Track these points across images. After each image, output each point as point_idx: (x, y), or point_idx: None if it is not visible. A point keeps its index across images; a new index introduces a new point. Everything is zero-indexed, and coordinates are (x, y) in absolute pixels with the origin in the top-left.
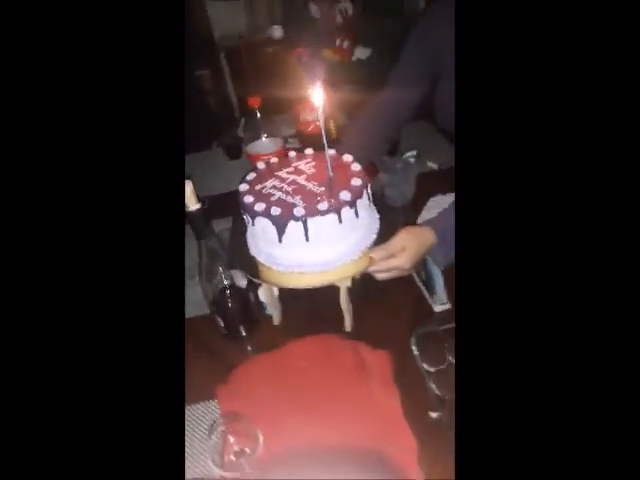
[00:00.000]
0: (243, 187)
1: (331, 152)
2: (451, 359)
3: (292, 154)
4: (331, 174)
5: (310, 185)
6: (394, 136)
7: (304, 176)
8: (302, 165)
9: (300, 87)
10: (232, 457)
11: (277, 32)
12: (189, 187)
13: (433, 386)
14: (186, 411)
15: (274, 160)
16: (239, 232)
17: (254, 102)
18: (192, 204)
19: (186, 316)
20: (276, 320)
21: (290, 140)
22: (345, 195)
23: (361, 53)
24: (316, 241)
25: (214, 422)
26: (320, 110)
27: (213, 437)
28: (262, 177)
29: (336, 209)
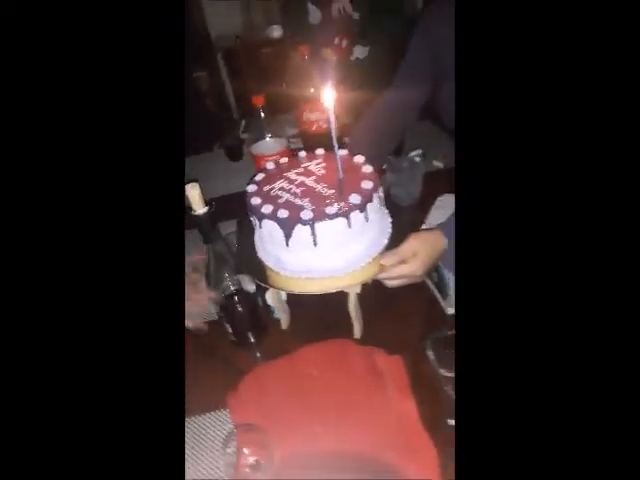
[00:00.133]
0: (251, 188)
1: (342, 153)
2: None
3: (302, 154)
4: (341, 176)
5: (319, 187)
6: (400, 136)
7: (313, 177)
8: (312, 166)
9: (303, 86)
10: (247, 470)
11: (276, 32)
12: (196, 190)
13: (451, 392)
14: (197, 421)
15: (283, 160)
16: (246, 235)
17: (258, 101)
18: (199, 207)
19: None
20: (284, 324)
21: (292, 140)
22: (355, 198)
23: (360, 52)
24: (324, 246)
25: (228, 434)
26: (330, 109)
27: (228, 450)
28: (271, 178)
29: (345, 213)
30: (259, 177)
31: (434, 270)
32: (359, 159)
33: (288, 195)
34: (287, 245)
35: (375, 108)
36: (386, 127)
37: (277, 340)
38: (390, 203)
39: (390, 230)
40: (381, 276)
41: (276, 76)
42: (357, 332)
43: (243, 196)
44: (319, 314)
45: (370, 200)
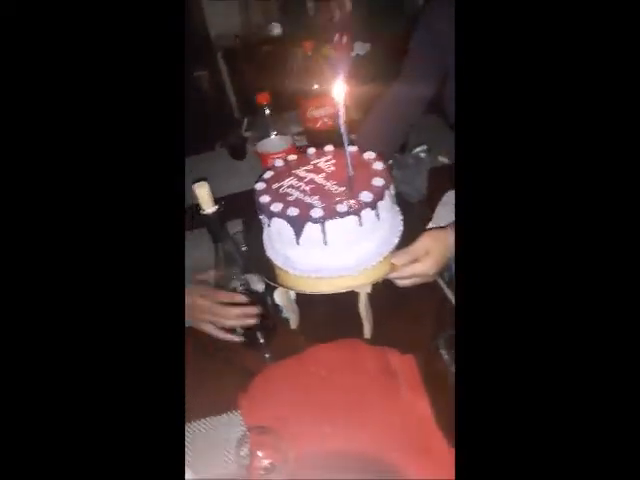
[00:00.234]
0: (260, 186)
1: (352, 149)
2: None
3: (311, 151)
4: (351, 173)
5: (329, 184)
6: (407, 131)
7: (323, 175)
8: (321, 163)
9: (306, 83)
10: (261, 472)
11: (275, 30)
12: (205, 189)
13: None
14: (209, 423)
15: (292, 158)
16: (254, 234)
17: (263, 99)
18: (208, 206)
19: None
20: (293, 324)
21: (296, 138)
22: (366, 196)
23: (360, 49)
24: (335, 244)
25: (241, 437)
26: (341, 104)
27: (242, 453)
28: (279, 176)
29: (356, 211)
30: (267, 175)
31: (446, 269)
32: (369, 155)
33: (298, 193)
34: (297, 244)
35: (382, 103)
36: (394, 122)
37: (286, 340)
38: (400, 200)
39: (401, 228)
40: (393, 275)
41: (277, 74)
42: (367, 332)
43: (248, 195)
44: (328, 314)
45: (381, 198)
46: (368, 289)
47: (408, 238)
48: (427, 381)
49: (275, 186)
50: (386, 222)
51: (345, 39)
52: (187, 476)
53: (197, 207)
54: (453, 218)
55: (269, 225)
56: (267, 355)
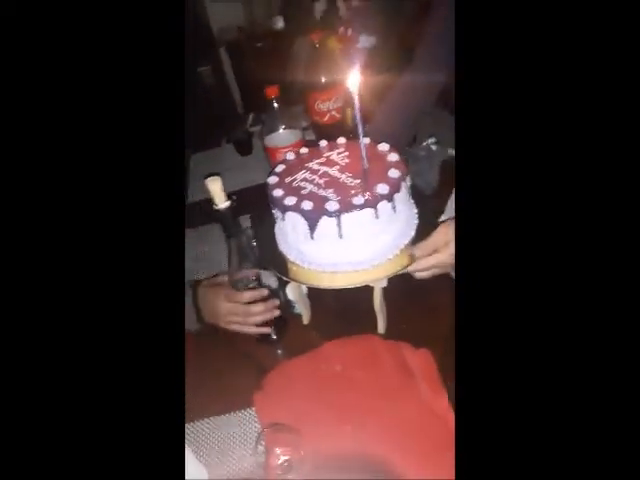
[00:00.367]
0: (272, 180)
1: (366, 141)
2: None
3: (323, 143)
4: (366, 165)
5: (344, 177)
6: (412, 125)
7: (337, 167)
8: (334, 156)
9: (314, 75)
10: (279, 472)
11: (279, 23)
12: (217, 184)
13: None
14: (224, 420)
15: (304, 151)
16: (266, 228)
17: (272, 92)
18: (221, 201)
19: None
20: (305, 319)
21: (304, 132)
22: (382, 188)
23: (365, 41)
24: (350, 238)
25: (259, 434)
26: (356, 95)
27: (258, 450)
28: (292, 169)
29: (373, 203)
30: (279, 168)
31: None
32: (384, 147)
33: (311, 186)
34: (312, 238)
35: (394, 92)
36: (407, 110)
37: (299, 336)
38: (414, 192)
39: (416, 221)
40: (412, 268)
41: (283, 67)
42: (381, 327)
43: (255, 190)
44: (340, 309)
45: (398, 190)
46: (384, 283)
47: (423, 231)
48: (444, 377)
49: (288, 179)
50: (402, 214)
51: (350, 32)
52: (202, 475)
53: (210, 202)
54: None
55: (283, 219)
56: (279, 351)
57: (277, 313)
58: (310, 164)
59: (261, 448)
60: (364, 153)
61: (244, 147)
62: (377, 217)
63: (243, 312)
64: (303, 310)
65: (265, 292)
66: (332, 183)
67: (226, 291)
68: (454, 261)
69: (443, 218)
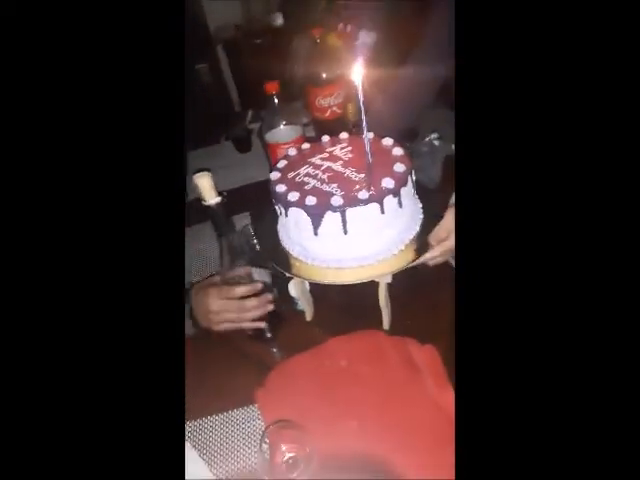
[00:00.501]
0: (274, 175)
1: (369, 135)
2: None
3: (325, 138)
4: (370, 160)
5: (347, 172)
6: (412, 120)
7: (340, 162)
8: (337, 151)
9: (314, 71)
10: (284, 469)
11: (278, 20)
12: (206, 179)
13: None
14: (226, 418)
15: (306, 146)
16: (267, 224)
17: (272, 88)
18: (211, 198)
19: None
20: (308, 316)
21: (305, 128)
22: (388, 182)
23: (366, 37)
24: (355, 234)
25: (264, 431)
26: (360, 88)
27: (263, 447)
28: (294, 164)
29: (378, 198)
30: (281, 164)
31: None
32: (388, 141)
33: (315, 181)
34: (315, 234)
35: (393, 83)
36: (405, 103)
37: (302, 332)
38: (418, 187)
39: (421, 215)
40: (428, 256)
41: (283, 63)
42: (386, 323)
43: (255, 187)
44: (344, 305)
45: (404, 184)
46: (389, 279)
47: (428, 225)
48: (450, 371)
49: (291, 175)
50: (407, 209)
51: (349, 28)
52: (204, 473)
53: (199, 200)
54: None
55: (285, 215)
56: (275, 350)
57: (271, 307)
58: (313, 159)
59: (265, 446)
60: (368, 147)
61: (243, 144)
62: (383, 212)
63: (237, 308)
64: (306, 307)
65: (259, 286)
66: (336, 178)
67: (218, 289)
68: None
69: None
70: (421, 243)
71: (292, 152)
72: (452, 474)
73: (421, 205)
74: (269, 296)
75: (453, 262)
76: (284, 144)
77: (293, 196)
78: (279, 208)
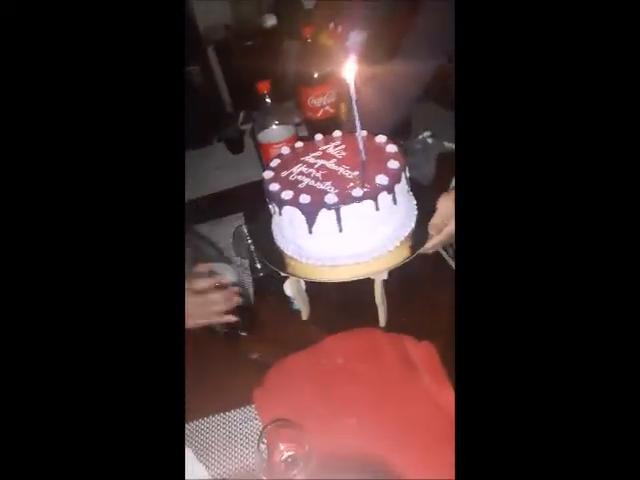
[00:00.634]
0: (267, 174)
1: (363, 133)
2: None
3: (318, 137)
4: (364, 157)
5: (341, 170)
6: (404, 113)
7: (334, 160)
8: (330, 149)
9: (307, 70)
10: (283, 468)
11: (269, 21)
12: None
13: None
14: (223, 418)
15: (299, 145)
16: (261, 224)
17: (264, 87)
18: None
19: None
20: (305, 315)
21: (297, 128)
22: (382, 179)
23: (357, 36)
24: (350, 231)
25: (262, 431)
26: (352, 86)
27: (261, 447)
28: (287, 163)
29: (372, 195)
30: (274, 163)
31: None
32: (381, 139)
33: (309, 179)
34: (310, 232)
35: (380, 79)
36: (392, 98)
37: (298, 332)
38: (412, 184)
39: (416, 212)
40: (429, 245)
41: (273, 65)
42: (382, 320)
43: (248, 188)
44: (341, 302)
45: (398, 181)
46: (385, 276)
47: (424, 222)
48: (448, 369)
49: (284, 173)
50: (402, 206)
51: (340, 28)
52: (201, 474)
53: None
54: None
55: (280, 214)
56: (255, 356)
57: (237, 300)
58: (306, 158)
59: (263, 445)
60: (361, 145)
61: (235, 145)
62: (377, 209)
63: (200, 302)
64: (302, 306)
65: (222, 280)
66: (330, 176)
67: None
68: None
69: None
70: (416, 239)
71: (285, 151)
72: (450, 471)
73: (416, 202)
74: (234, 289)
75: (445, 253)
76: (276, 144)
77: (287, 194)
78: (273, 207)
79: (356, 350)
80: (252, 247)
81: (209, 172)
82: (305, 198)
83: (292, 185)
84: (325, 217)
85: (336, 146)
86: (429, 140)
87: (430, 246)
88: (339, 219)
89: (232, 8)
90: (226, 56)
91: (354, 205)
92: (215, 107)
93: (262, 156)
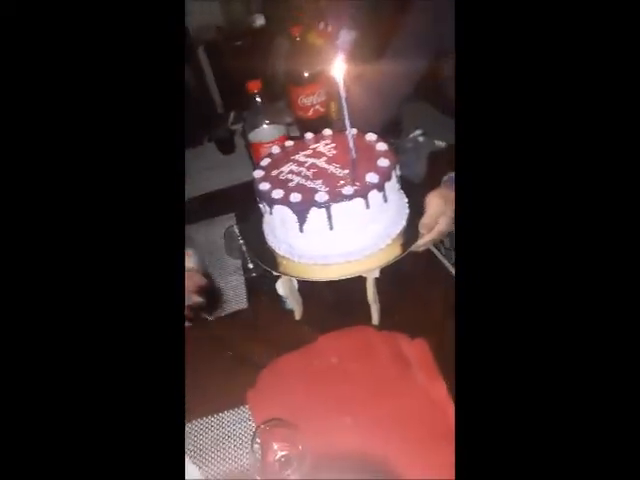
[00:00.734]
0: (258, 173)
1: (353, 131)
2: None
3: (309, 136)
4: (354, 155)
5: (332, 168)
6: (393, 112)
7: (324, 159)
8: (321, 147)
9: (296, 69)
10: (277, 468)
11: (259, 21)
12: None
13: None
14: (216, 420)
15: (289, 144)
16: (252, 224)
17: (254, 86)
18: None
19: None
20: (297, 315)
21: (288, 127)
22: (372, 177)
23: (346, 35)
24: (341, 229)
25: (255, 431)
26: (341, 84)
27: (254, 448)
28: (278, 162)
29: (363, 193)
30: (265, 162)
31: (446, 235)
32: (371, 137)
33: (299, 178)
34: (301, 231)
35: (369, 77)
36: (382, 96)
37: (291, 332)
38: (403, 182)
39: (407, 210)
40: (420, 243)
41: (264, 63)
42: (375, 318)
43: (239, 189)
44: (334, 301)
45: (388, 178)
46: (376, 274)
47: (415, 220)
48: (442, 367)
49: (274, 172)
50: (393, 203)
51: (330, 27)
52: (195, 475)
53: None
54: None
55: (270, 213)
56: (231, 353)
57: (199, 280)
58: (296, 156)
59: (257, 445)
60: (352, 143)
61: (226, 145)
62: (368, 207)
63: None
64: (295, 305)
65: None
66: (320, 174)
67: None
68: (450, 227)
69: None
70: (408, 237)
71: (275, 150)
72: (448, 469)
73: (407, 200)
74: (194, 267)
75: (436, 251)
76: (267, 143)
77: (277, 193)
78: (264, 206)
79: (350, 349)
80: (244, 247)
81: (200, 172)
82: (296, 197)
83: (282, 184)
84: (316, 215)
85: (326, 144)
86: (420, 139)
87: (421, 244)
88: (330, 217)
89: (222, 8)
90: (216, 56)
91: (345, 203)
92: (205, 107)
93: (253, 156)
